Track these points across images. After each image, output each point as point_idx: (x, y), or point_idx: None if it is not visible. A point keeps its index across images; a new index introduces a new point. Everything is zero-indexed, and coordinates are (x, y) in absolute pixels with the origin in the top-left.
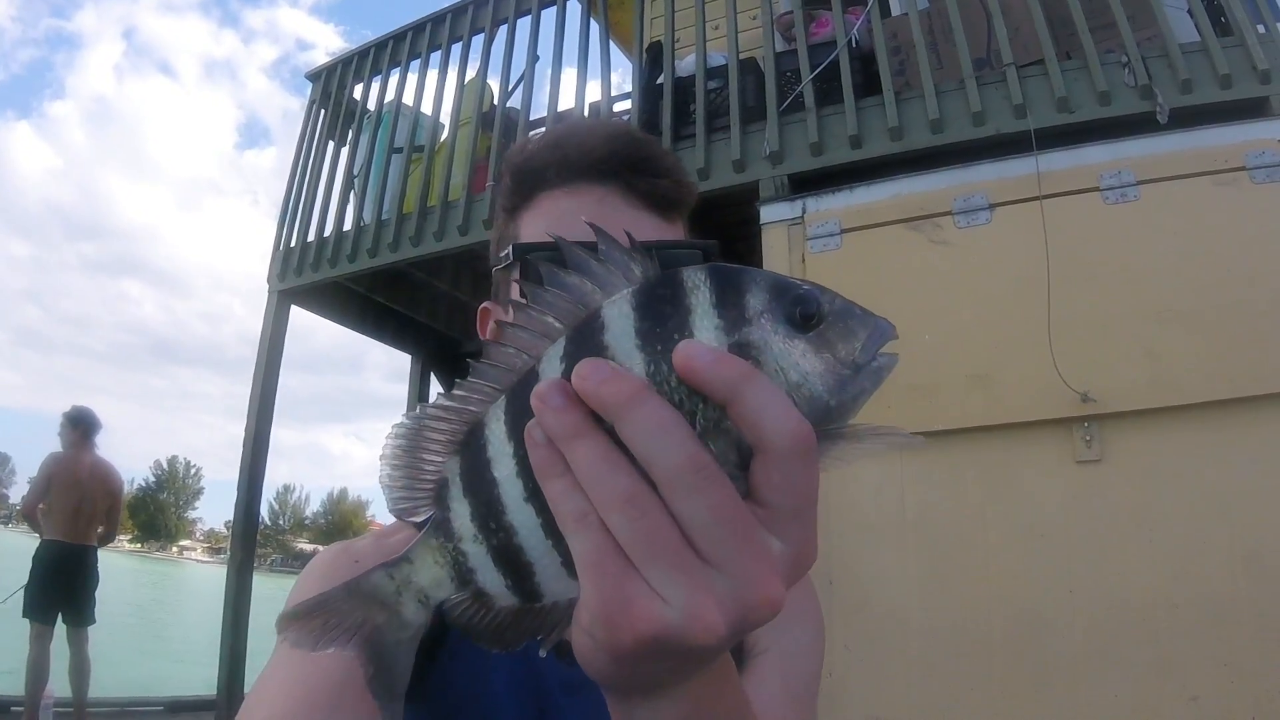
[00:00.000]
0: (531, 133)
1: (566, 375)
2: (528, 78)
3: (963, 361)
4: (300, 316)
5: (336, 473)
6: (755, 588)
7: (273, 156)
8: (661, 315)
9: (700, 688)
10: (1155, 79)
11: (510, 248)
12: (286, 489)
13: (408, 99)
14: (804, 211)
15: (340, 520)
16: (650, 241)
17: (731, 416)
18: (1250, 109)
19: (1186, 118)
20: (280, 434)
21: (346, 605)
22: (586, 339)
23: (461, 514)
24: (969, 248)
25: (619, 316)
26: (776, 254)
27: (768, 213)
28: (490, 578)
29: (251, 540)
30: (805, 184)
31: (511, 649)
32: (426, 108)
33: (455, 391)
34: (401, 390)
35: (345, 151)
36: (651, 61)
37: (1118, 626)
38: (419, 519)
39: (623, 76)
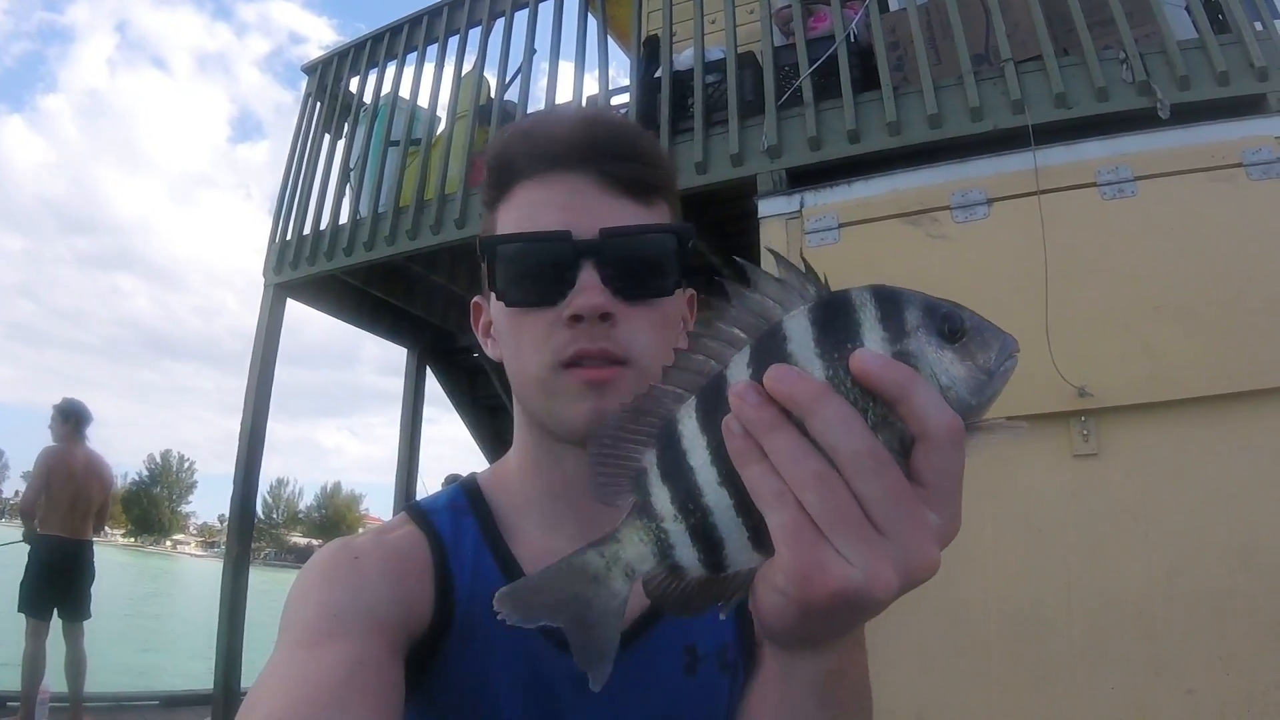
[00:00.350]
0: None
1: (754, 378)
2: (525, 71)
3: None
4: (294, 310)
5: (330, 466)
6: (920, 553)
7: (265, 150)
8: (835, 328)
9: (848, 644)
10: (1153, 76)
11: (478, 242)
12: (280, 483)
13: (404, 92)
14: (802, 206)
15: (334, 514)
16: (620, 228)
17: (899, 412)
18: (1247, 106)
19: (1184, 114)
20: (273, 427)
21: (559, 581)
22: (770, 347)
23: (661, 497)
24: (967, 243)
25: (799, 329)
26: (774, 248)
27: (765, 207)
28: (686, 553)
29: (248, 535)
30: (803, 178)
31: (695, 615)
32: (423, 101)
33: (648, 392)
34: (395, 384)
35: (341, 144)
36: (649, 55)
37: (1114, 621)
38: (620, 503)
39: (618, 70)
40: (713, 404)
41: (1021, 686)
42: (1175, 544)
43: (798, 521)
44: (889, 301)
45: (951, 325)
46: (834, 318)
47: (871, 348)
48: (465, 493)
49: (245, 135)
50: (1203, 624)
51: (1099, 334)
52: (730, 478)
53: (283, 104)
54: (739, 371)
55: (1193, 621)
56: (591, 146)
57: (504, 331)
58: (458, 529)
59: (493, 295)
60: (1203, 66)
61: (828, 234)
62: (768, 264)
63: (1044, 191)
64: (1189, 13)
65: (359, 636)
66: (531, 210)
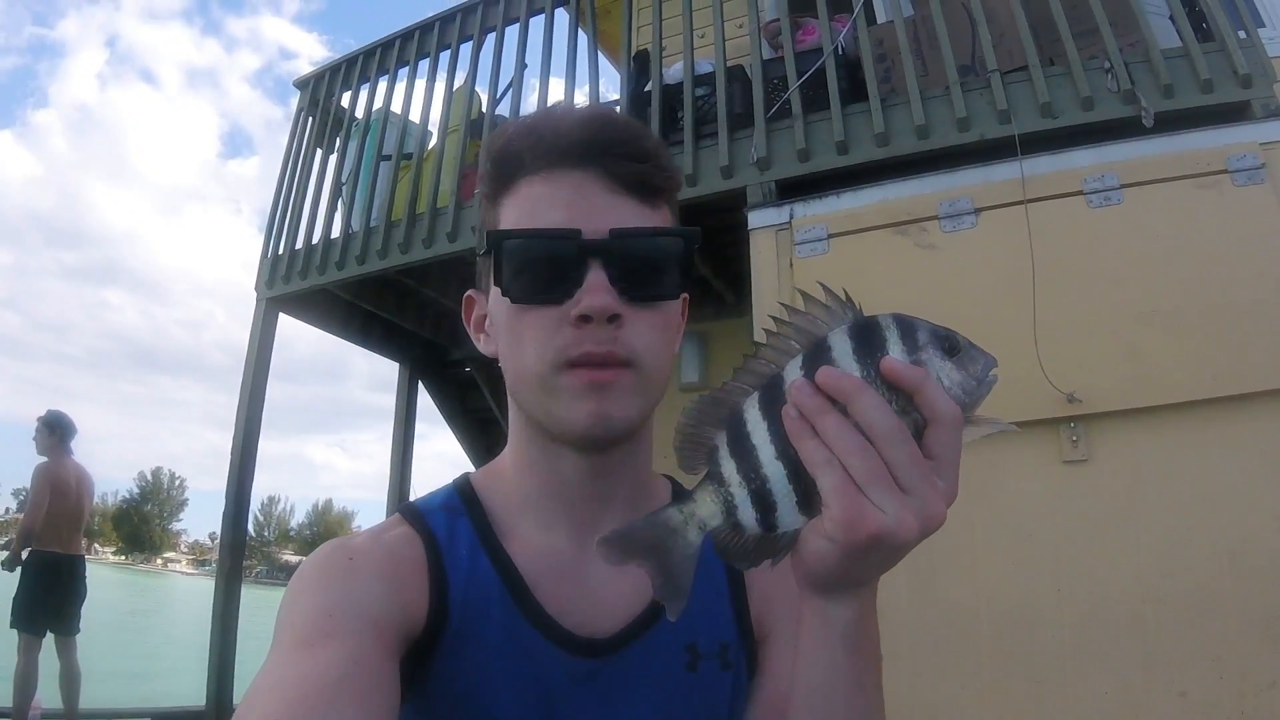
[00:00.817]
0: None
1: (806, 378)
2: (516, 85)
3: None
4: (283, 325)
5: (320, 483)
6: (933, 506)
7: (256, 166)
8: (867, 342)
9: (868, 596)
10: (1137, 84)
11: (485, 235)
12: (271, 500)
13: (396, 107)
14: (791, 217)
15: (325, 532)
16: (629, 229)
17: (916, 402)
18: (1231, 113)
19: (1169, 122)
20: (263, 444)
21: (646, 531)
22: (818, 355)
23: (729, 468)
24: (955, 251)
25: (840, 342)
26: (764, 260)
27: (755, 218)
28: (746, 513)
29: (240, 549)
30: (792, 189)
31: (752, 566)
32: (414, 115)
33: (719, 389)
34: (383, 400)
35: (333, 159)
36: (639, 69)
37: (1106, 623)
38: (696, 472)
39: (608, 84)
40: (771, 398)
41: (1013, 688)
42: (1165, 547)
43: (844, 481)
44: (906, 324)
45: (950, 344)
46: (866, 334)
47: (894, 356)
48: (459, 493)
49: (235, 150)
50: (1194, 626)
51: (1087, 340)
52: (784, 454)
53: (273, 119)
54: (793, 373)
55: (1184, 624)
56: (599, 144)
57: (505, 327)
58: (453, 529)
59: (493, 290)
60: (1187, 74)
61: (817, 245)
62: (807, 294)
63: (1031, 200)
64: (1173, 21)
65: (354, 637)
66: (537, 206)
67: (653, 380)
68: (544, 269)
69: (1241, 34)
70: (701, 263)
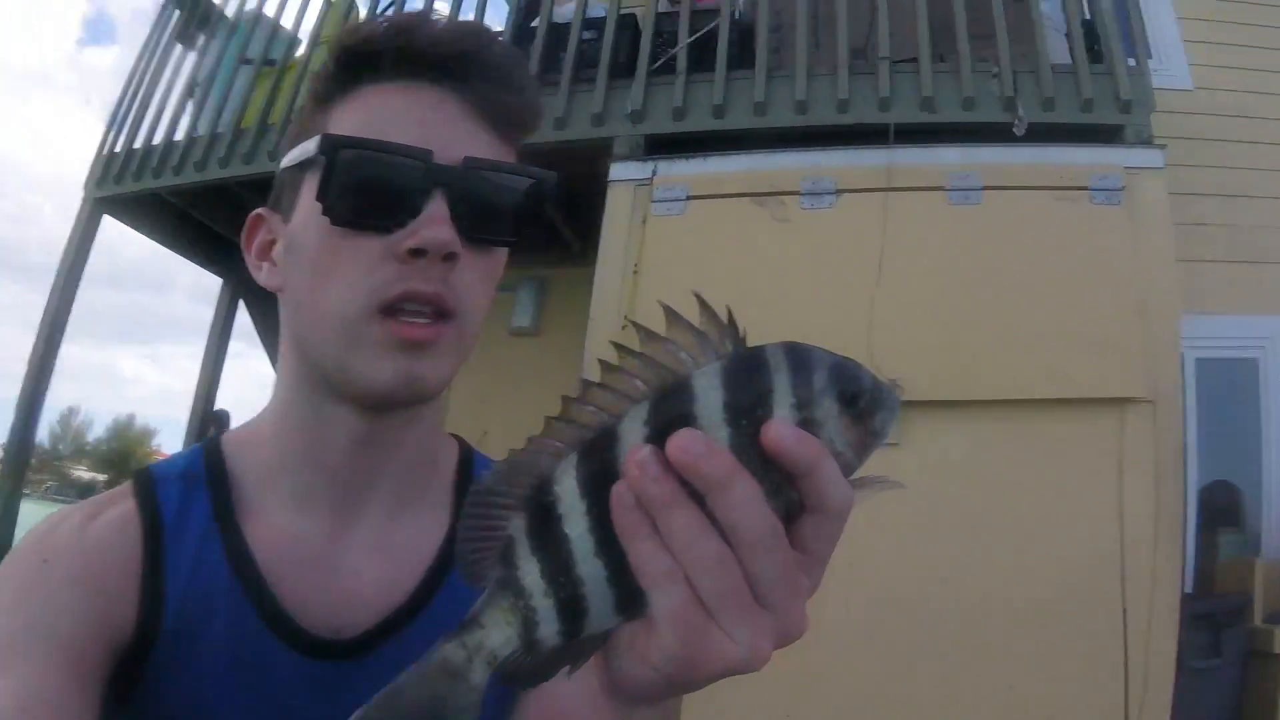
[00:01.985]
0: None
1: (651, 439)
2: (398, 3)
3: (780, 339)
4: (110, 229)
5: (127, 396)
6: (795, 622)
7: (114, 56)
8: (746, 391)
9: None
10: (1020, 93)
11: (318, 139)
12: (70, 411)
13: (269, 9)
14: (654, 174)
15: (123, 448)
16: (486, 160)
17: (803, 486)
18: (1105, 134)
19: (1043, 134)
20: (72, 351)
21: (413, 689)
22: (675, 405)
23: (531, 571)
24: (809, 229)
25: (709, 389)
26: (619, 213)
27: (617, 170)
28: (549, 627)
29: (22, 468)
30: (661, 147)
31: (543, 682)
32: (287, 21)
33: (525, 447)
34: (205, 313)
35: (192, 57)
36: (529, 2)
37: (888, 611)
38: (487, 582)
39: (494, 14)
40: (598, 462)
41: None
42: (962, 535)
43: (687, 604)
44: (800, 361)
45: (853, 390)
46: (745, 379)
47: (780, 414)
48: (205, 457)
49: (96, 38)
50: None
51: (920, 332)
52: (606, 546)
53: (140, 9)
54: (634, 429)
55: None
56: (471, 65)
57: (311, 254)
58: (186, 505)
59: (302, 207)
60: (1070, 91)
61: (674, 204)
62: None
63: (893, 189)
64: (1068, 38)
65: (36, 663)
66: (385, 117)
67: (470, 338)
68: (380, 190)
69: (1131, 61)
70: (554, 207)
